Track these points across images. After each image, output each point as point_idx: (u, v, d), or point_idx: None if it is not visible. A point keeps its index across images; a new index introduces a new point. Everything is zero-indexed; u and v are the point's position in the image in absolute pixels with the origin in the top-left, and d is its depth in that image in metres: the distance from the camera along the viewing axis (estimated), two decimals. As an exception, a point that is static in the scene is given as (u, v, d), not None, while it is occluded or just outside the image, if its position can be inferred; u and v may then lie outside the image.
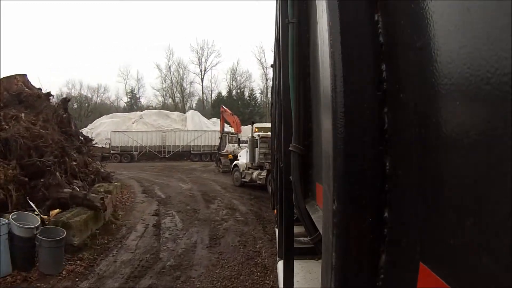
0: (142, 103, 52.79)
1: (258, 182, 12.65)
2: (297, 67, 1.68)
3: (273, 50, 4.79)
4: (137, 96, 54.38)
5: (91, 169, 10.36)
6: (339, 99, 0.53)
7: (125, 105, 52.38)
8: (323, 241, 0.66)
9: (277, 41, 3.16)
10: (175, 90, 52.03)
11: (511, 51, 0.30)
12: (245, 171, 13.37)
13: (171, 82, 51.91)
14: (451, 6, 0.40)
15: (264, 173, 12.24)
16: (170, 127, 32.31)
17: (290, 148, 1.68)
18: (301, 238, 2.26)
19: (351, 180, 0.53)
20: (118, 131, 28.85)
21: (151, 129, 30.80)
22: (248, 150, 13.09)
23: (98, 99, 53.09)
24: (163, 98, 53.02)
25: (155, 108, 42.37)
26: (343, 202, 0.53)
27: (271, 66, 6.84)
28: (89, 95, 52.56)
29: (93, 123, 36.92)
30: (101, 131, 32.76)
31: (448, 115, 0.41)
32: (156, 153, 28.10)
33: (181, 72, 51.88)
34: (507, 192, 0.30)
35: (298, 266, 2.22)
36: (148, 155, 28.18)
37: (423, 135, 0.47)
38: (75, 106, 49.77)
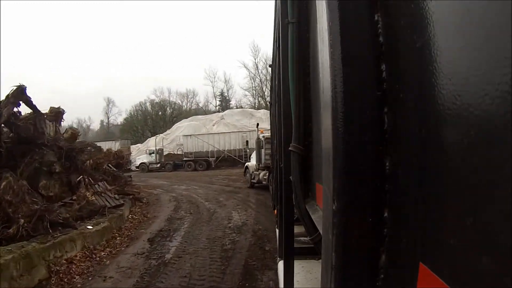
0: (232, 104, 51.11)
1: (263, 182, 12.92)
2: (297, 67, 1.68)
3: (272, 50, 4.78)
4: (227, 98, 53.18)
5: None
6: (339, 99, 0.53)
7: (215, 108, 50.81)
8: (323, 241, 0.66)
9: (276, 41, 3.16)
10: (265, 88, 48.53)
11: (511, 51, 0.30)
12: (254, 172, 13.69)
13: (260, 80, 49.18)
14: (451, 6, 0.40)
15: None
16: (254, 127, 29.14)
17: (290, 148, 1.68)
18: (301, 238, 2.26)
19: (351, 180, 0.53)
20: (190, 135, 24.93)
21: (233, 131, 26.59)
22: (255, 152, 13.35)
23: (188, 105, 53.15)
24: (253, 98, 51.01)
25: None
26: (343, 202, 0.53)
27: (269, 66, 6.86)
28: (179, 101, 52.91)
29: (171, 128, 33.55)
30: (176, 136, 29.46)
31: (448, 115, 0.41)
32: (237, 158, 23.90)
33: (269, 69, 49.05)
34: (507, 192, 0.30)
35: (299, 266, 2.22)
36: (228, 160, 24.19)
37: (423, 135, 0.47)
38: (160, 113, 50.33)
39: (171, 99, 52.03)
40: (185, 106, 52.65)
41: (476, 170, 0.36)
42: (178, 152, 26.54)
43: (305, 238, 1.86)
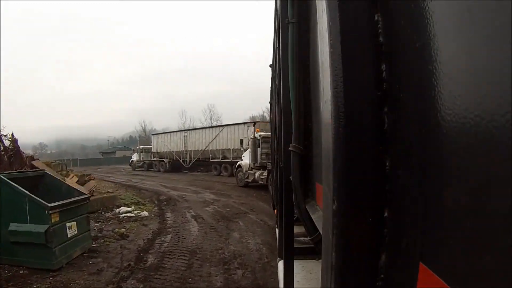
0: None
1: (260, 182, 12.89)
2: (297, 67, 1.68)
3: (272, 50, 4.79)
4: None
5: None
6: (339, 99, 0.53)
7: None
8: (323, 241, 0.66)
9: (276, 41, 3.16)
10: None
11: (511, 50, 0.30)
12: (248, 171, 13.65)
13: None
14: (451, 6, 0.40)
15: (266, 173, 12.38)
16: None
17: (290, 148, 1.68)
18: (302, 238, 2.27)
19: (351, 180, 0.53)
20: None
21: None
22: (250, 151, 13.30)
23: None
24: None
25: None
26: (343, 202, 0.53)
27: (270, 66, 6.85)
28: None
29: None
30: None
31: (448, 115, 0.41)
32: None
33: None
34: (507, 192, 0.30)
35: (299, 266, 2.22)
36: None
37: (423, 135, 0.47)
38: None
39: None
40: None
41: (476, 170, 0.36)
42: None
43: (305, 238, 1.86)
